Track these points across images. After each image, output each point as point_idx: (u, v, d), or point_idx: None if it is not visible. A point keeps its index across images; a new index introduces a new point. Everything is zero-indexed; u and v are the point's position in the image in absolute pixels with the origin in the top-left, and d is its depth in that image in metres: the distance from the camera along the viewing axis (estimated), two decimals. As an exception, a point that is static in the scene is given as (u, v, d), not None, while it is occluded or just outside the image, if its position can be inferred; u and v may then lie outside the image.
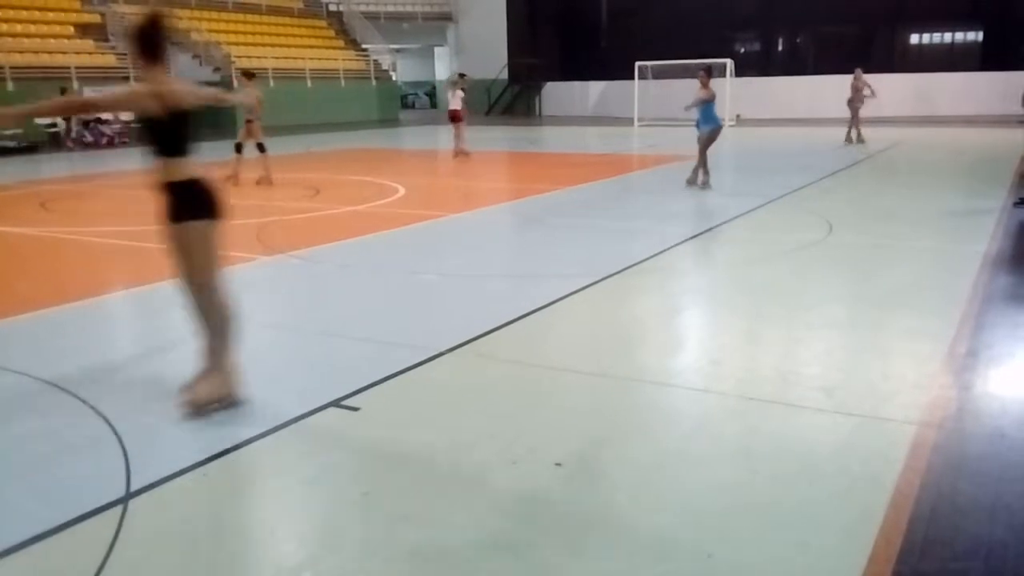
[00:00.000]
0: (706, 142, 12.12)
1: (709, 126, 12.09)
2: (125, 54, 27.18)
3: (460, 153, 18.00)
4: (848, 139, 19.24)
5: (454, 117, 18.16)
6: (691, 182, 12.40)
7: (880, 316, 5.76)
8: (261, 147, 13.39)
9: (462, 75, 22.58)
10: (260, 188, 13.07)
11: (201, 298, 4.19)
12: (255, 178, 13.53)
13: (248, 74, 14.04)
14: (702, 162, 12.22)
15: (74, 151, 21.56)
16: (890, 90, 30.13)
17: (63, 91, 20.62)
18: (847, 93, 19.55)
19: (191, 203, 4.05)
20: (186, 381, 4.21)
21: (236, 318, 4.27)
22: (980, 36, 32.63)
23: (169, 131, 3.96)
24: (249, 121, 13.48)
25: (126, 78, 26.24)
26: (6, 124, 5.99)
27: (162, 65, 3.96)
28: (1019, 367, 4.81)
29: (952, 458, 3.56)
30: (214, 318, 4.20)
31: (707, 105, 12.04)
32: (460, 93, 18.27)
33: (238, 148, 13.44)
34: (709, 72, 12.20)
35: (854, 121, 19.29)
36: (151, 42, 3.95)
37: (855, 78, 19.43)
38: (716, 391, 4.38)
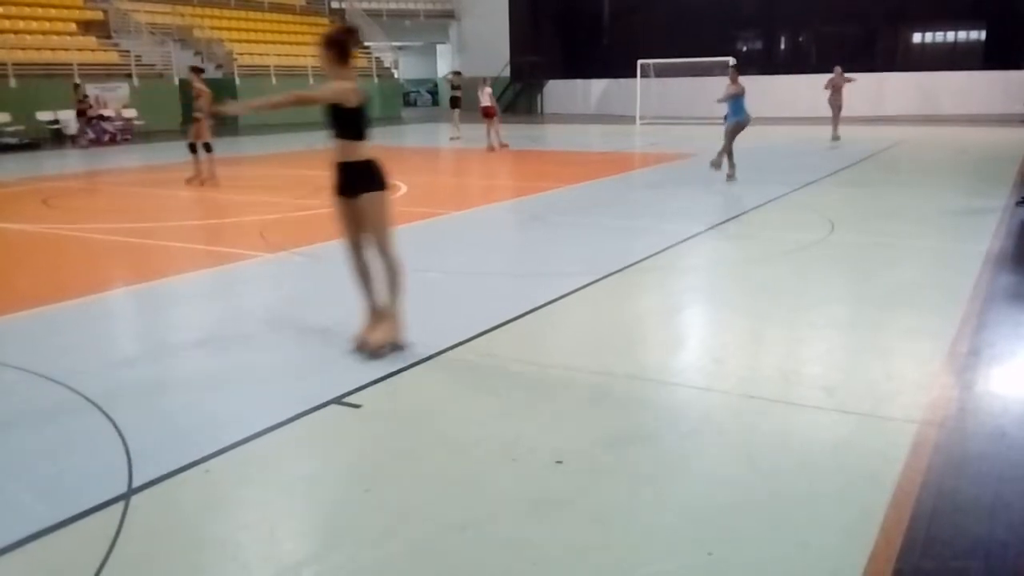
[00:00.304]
0: (732, 133, 12.79)
1: (736, 118, 12.81)
2: (127, 51, 27.24)
3: (501, 147, 18.99)
4: (836, 137, 19.41)
5: (487, 113, 19.30)
6: (715, 165, 13.23)
7: (881, 315, 5.76)
8: (208, 147, 13.31)
9: (457, 73, 22.87)
10: (207, 189, 12.91)
11: (381, 254, 4.98)
12: (190, 176, 13.35)
13: (197, 70, 14.12)
14: (728, 151, 12.89)
15: (86, 148, 21.55)
16: (892, 89, 30.19)
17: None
18: (826, 91, 19.67)
19: (370, 178, 4.87)
20: (357, 330, 4.98)
21: (404, 272, 4.93)
22: (983, 35, 32.57)
23: (356, 119, 4.73)
24: (197, 120, 13.48)
25: (128, 75, 26.28)
26: (240, 113, 7.23)
27: (351, 67, 4.74)
28: (1020, 366, 4.81)
29: (953, 457, 3.56)
30: (390, 271, 4.92)
31: (737, 99, 12.83)
32: (488, 90, 19.47)
33: (192, 148, 13.39)
34: (738, 68, 13.34)
35: (836, 118, 19.53)
36: (344, 48, 4.70)
37: (837, 76, 19.54)
38: (717, 389, 4.39)
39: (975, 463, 3.52)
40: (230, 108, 5.18)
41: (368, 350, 4.82)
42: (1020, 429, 3.84)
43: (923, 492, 3.23)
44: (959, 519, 3.08)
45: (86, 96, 22.70)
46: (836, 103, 19.57)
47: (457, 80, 23.05)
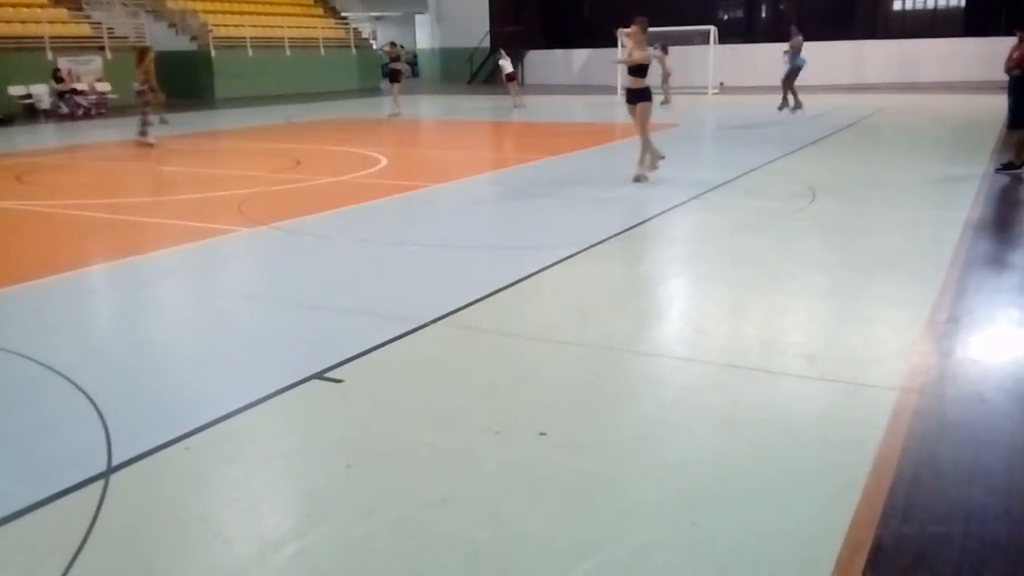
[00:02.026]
0: (791, 75, 17.58)
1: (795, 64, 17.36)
2: (99, 23, 26.72)
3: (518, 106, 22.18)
4: (798, 105, 18.40)
5: (511, 78, 23.02)
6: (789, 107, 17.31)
7: (862, 283, 5.78)
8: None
9: (394, 44, 22.38)
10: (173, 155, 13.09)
11: (644, 133, 9.97)
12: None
13: (143, 49, 14.37)
14: (792, 91, 17.58)
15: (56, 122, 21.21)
16: (873, 56, 30.19)
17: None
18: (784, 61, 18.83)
19: (644, 95, 9.92)
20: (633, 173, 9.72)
21: (650, 142, 10.07)
22: (963, 2, 32.59)
23: (644, 69, 9.97)
24: (141, 92, 13.82)
25: (101, 48, 25.81)
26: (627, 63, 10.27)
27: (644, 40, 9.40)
28: (999, 333, 4.85)
29: (933, 423, 3.59)
30: (646, 138, 9.99)
31: (796, 53, 17.68)
32: (508, 57, 23.15)
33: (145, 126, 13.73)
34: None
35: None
36: (644, 32, 8.71)
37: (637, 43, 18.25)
38: (700, 360, 4.39)
39: (955, 429, 3.55)
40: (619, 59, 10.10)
41: (640, 179, 9.81)
42: (999, 394, 3.87)
43: (904, 458, 3.26)
44: (939, 484, 3.11)
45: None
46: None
47: (395, 51, 21.85)
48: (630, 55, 9.90)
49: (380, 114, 21.82)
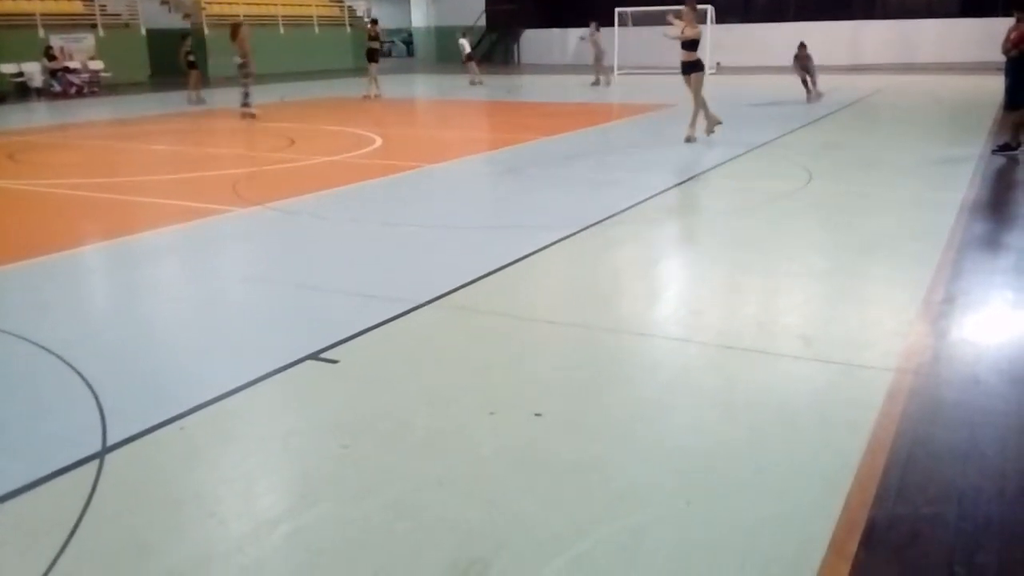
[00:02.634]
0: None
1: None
2: (91, 1, 26.47)
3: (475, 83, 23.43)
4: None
5: (470, 58, 24.43)
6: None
7: (858, 264, 5.78)
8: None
9: (374, 21, 21.89)
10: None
11: (698, 97, 11.14)
12: None
13: (235, 25, 14.64)
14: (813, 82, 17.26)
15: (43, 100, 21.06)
16: (871, 37, 30.05)
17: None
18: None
19: (697, 67, 11.15)
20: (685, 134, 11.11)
21: (702, 107, 11.28)
22: (961, -18, 32.39)
23: (696, 43, 11.05)
24: (242, 65, 15.14)
25: (93, 26, 25.59)
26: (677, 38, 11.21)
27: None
28: (994, 314, 4.85)
29: (928, 404, 3.60)
30: (700, 102, 11.19)
31: None
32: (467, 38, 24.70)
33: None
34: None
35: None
36: (695, 10, 10.49)
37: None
38: (696, 341, 4.39)
39: (949, 410, 3.56)
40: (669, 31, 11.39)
41: (690, 139, 11.12)
42: (993, 376, 3.88)
43: (898, 439, 3.26)
44: (933, 465, 3.12)
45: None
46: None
47: (374, 30, 20.91)
48: (683, 32, 11.10)
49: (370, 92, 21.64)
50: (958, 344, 4.32)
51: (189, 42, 20.08)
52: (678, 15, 11.34)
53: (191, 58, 19.44)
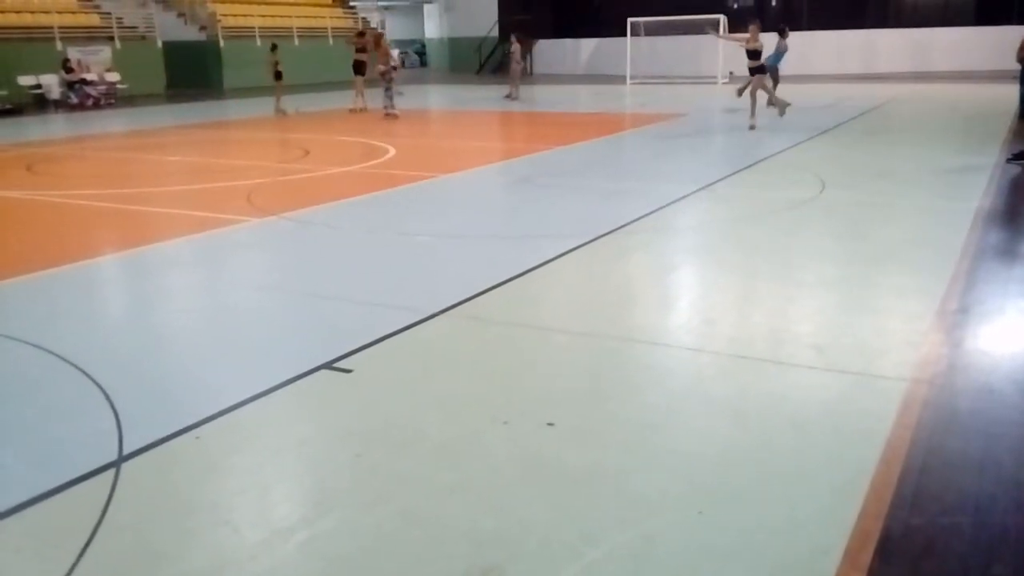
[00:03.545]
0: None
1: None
2: (108, 13, 26.76)
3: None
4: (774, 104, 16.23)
5: (394, 69, 21.02)
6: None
7: (872, 273, 5.76)
8: None
9: (361, 34, 21.06)
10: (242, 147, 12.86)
11: (755, 96, 14.29)
12: None
13: (377, 35, 15.14)
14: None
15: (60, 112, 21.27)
16: (884, 46, 29.97)
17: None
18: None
19: (762, 70, 14.31)
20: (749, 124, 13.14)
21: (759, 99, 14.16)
22: (975, -10, 32.27)
23: (760, 52, 14.24)
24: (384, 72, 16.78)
25: (110, 38, 25.85)
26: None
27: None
28: (1009, 323, 4.82)
29: (943, 414, 3.58)
30: (766, 98, 14.92)
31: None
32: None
33: None
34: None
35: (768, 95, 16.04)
36: (760, 26, 14.04)
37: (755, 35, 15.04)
38: (708, 350, 4.39)
39: (964, 420, 3.54)
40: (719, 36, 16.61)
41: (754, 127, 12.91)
42: (1009, 385, 3.86)
43: (913, 449, 3.25)
44: (948, 475, 3.10)
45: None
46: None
47: (361, 41, 19.91)
48: (747, 43, 14.36)
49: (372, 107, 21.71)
50: (973, 354, 4.30)
51: (279, 53, 19.59)
52: (714, 26, 13.37)
53: (279, 68, 19.24)
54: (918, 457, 3.19)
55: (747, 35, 14.46)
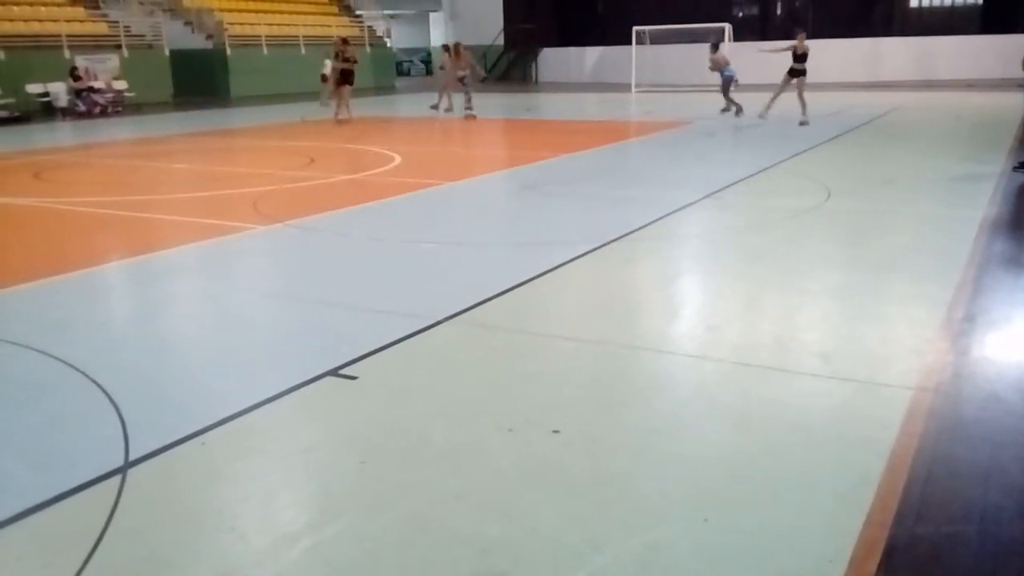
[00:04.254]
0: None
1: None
2: (116, 22, 26.92)
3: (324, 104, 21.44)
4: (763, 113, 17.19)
5: (326, 79, 21.35)
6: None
7: (878, 281, 5.75)
8: None
9: (345, 40, 20.24)
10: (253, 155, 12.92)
11: (801, 96, 15.96)
12: None
13: (455, 46, 15.68)
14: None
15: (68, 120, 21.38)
16: (890, 54, 29.99)
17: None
18: (781, 59, 17.03)
19: (800, 73, 15.88)
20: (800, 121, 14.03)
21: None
22: (980, -1, 32.31)
23: (805, 56, 15.87)
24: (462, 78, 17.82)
25: (118, 46, 26.00)
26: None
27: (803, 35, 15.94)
28: (1015, 332, 4.82)
29: (948, 422, 3.57)
30: (802, 97, 15.68)
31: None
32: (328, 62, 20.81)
33: None
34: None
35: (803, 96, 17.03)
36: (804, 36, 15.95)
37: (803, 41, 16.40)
38: (713, 358, 4.39)
39: (970, 428, 3.53)
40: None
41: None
42: (1015, 394, 3.85)
43: (918, 458, 3.24)
44: (954, 484, 3.09)
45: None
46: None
47: (351, 51, 19.30)
48: (797, 48, 16.01)
49: (397, 112, 21.82)
50: (979, 362, 4.29)
51: (351, 51, 19.38)
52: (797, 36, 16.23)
53: (351, 68, 19.07)
54: (924, 466, 3.19)
55: (794, 42, 16.20)
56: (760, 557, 2.67)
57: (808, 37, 16.52)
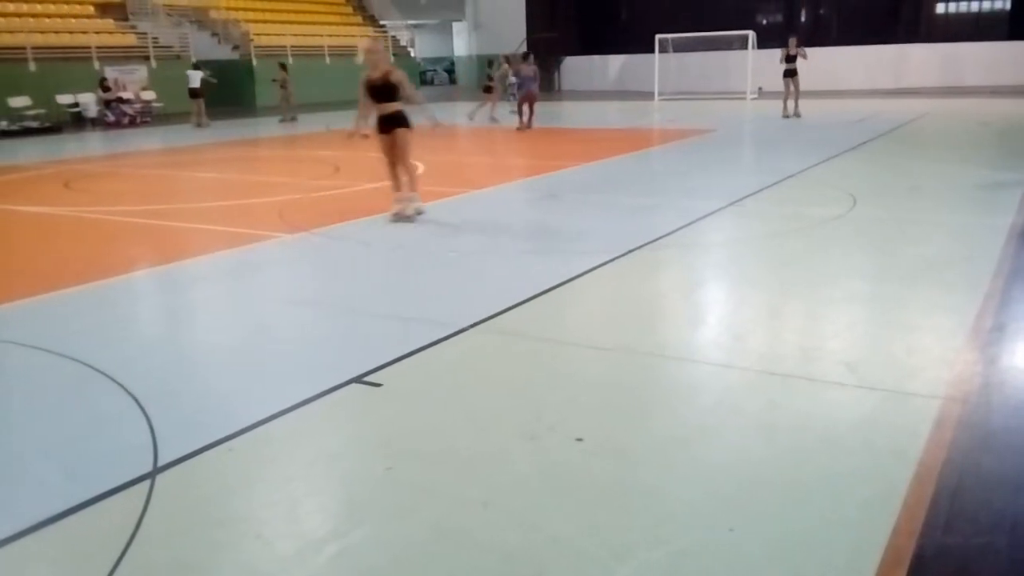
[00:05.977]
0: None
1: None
2: (144, 33, 27.31)
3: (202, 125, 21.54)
4: (787, 112, 19.14)
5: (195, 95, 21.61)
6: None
7: (904, 290, 5.70)
8: None
9: (283, 66, 21.72)
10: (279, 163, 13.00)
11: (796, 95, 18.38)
12: None
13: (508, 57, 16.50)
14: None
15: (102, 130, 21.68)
16: (916, 60, 29.73)
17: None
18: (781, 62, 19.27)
19: (793, 73, 18.82)
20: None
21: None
22: (1008, 4, 31.92)
23: (794, 59, 18.85)
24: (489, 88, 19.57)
25: (146, 58, 26.37)
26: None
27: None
28: (1046, 341, 4.75)
29: (977, 432, 3.53)
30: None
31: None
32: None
33: None
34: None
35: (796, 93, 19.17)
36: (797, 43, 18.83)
37: (793, 47, 19.08)
38: (738, 366, 4.37)
39: (999, 438, 3.49)
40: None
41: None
42: (1046, 404, 3.80)
43: (946, 468, 3.21)
44: (983, 494, 3.06)
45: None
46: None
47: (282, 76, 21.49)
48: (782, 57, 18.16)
49: (418, 121, 21.82)
50: (1008, 372, 4.24)
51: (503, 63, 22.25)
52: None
53: (491, 84, 21.61)
54: (952, 476, 3.15)
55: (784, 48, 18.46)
56: (787, 567, 2.65)
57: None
